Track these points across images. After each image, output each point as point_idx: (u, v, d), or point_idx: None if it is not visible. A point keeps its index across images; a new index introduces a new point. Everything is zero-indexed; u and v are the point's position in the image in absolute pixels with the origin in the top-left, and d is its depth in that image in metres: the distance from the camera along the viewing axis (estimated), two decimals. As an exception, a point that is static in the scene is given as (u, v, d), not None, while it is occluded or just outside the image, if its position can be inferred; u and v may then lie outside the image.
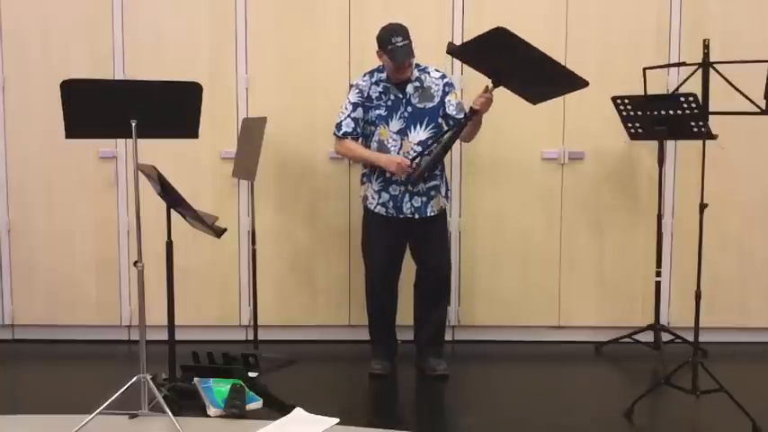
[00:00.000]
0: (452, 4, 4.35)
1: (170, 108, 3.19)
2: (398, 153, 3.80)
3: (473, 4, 4.34)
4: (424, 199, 3.83)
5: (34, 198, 4.44)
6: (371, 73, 3.88)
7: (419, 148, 3.76)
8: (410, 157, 3.74)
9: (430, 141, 3.76)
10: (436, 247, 3.91)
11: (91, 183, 4.44)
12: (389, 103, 3.81)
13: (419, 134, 3.79)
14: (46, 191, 4.44)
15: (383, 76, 3.84)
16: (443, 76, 3.86)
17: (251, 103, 4.40)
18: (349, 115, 3.84)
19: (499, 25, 3.27)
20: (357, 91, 3.84)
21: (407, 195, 3.82)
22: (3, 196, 4.45)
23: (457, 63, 4.35)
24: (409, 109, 3.80)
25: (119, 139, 4.32)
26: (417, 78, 3.82)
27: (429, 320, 3.97)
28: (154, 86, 3.22)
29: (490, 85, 3.58)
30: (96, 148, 4.38)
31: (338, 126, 3.87)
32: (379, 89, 3.83)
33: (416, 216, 3.83)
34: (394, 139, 3.80)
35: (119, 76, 4.35)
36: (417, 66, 3.83)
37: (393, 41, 3.68)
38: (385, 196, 3.84)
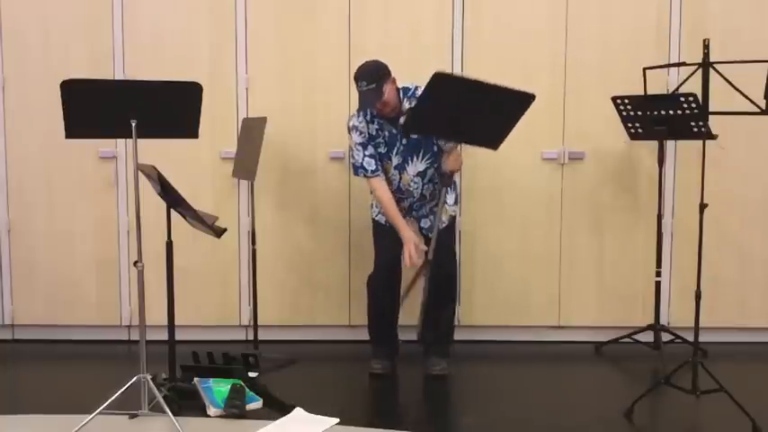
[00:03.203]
0: (452, 4, 4.34)
1: (170, 108, 3.19)
2: (398, 185, 3.80)
3: (473, 4, 4.34)
4: (432, 217, 3.84)
5: (34, 198, 4.44)
6: (362, 112, 3.77)
7: (418, 180, 3.79)
8: (412, 188, 3.79)
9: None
10: (442, 245, 3.89)
11: (91, 183, 4.44)
12: (386, 139, 3.77)
13: (417, 166, 3.78)
14: (46, 191, 4.44)
15: (374, 112, 3.74)
16: None
17: (251, 103, 4.40)
18: (365, 155, 3.75)
19: (435, 71, 3.20)
20: (358, 132, 3.76)
21: (417, 217, 3.89)
22: (3, 196, 4.45)
23: (457, 64, 4.35)
24: (404, 142, 3.75)
25: (119, 139, 4.32)
26: (409, 109, 3.68)
27: (435, 320, 3.96)
28: (154, 86, 3.21)
29: (451, 144, 3.59)
30: (96, 148, 4.38)
31: (362, 167, 3.75)
32: (375, 126, 3.76)
33: (429, 235, 3.81)
34: (393, 175, 3.81)
35: (119, 76, 4.35)
36: (407, 91, 3.73)
37: (359, 85, 3.61)
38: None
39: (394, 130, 3.75)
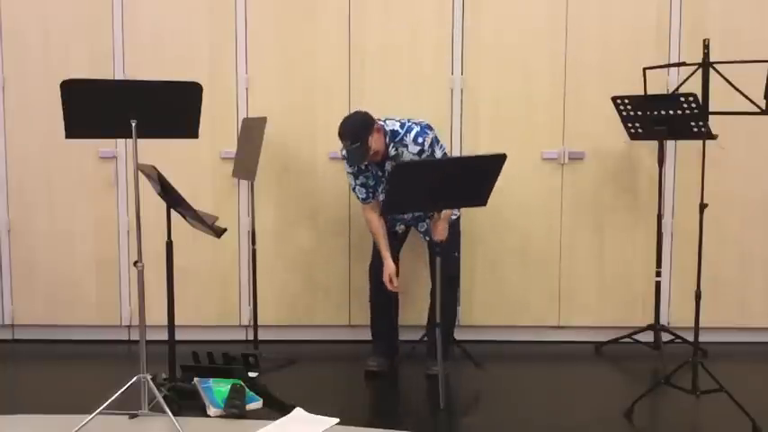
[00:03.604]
0: (452, 4, 4.34)
1: (170, 108, 3.19)
2: (387, 220, 3.89)
3: (473, 4, 4.34)
4: (429, 221, 3.84)
5: (34, 198, 4.44)
6: None
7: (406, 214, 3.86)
8: (402, 214, 3.86)
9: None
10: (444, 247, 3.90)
11: (91, 183, 4.44)
12: (373, 176, 3.83)
13: None
14: (46, 191, 4.44)
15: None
16: (421, 151, 3.71)
17: (251, 103, 4.40)
18: (356, 183, 3.85)
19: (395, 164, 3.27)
20: (348, 163, 3.83)
21: (413, 224, 3.96)
22: (3, 196, 4.45)
23: (457, 64, 4.35)
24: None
25: (119, 139, 4.32)
26: (395, 155, 3.73)
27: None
28: (154, 86, 3.22)
29: (435, 215, 3.59)
30: (96, 148, 4.38)
31: (355, 193, 3.89)
32: (365, 162, 3.79)
33: (427, 237, 3.91)
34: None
35: (119, 76, 4.35)
36: (395, 135, 3.72)
37: (344, 144, 3.66)
38: (393, 222, 3.96)
39: (379, 172, 3.80)
